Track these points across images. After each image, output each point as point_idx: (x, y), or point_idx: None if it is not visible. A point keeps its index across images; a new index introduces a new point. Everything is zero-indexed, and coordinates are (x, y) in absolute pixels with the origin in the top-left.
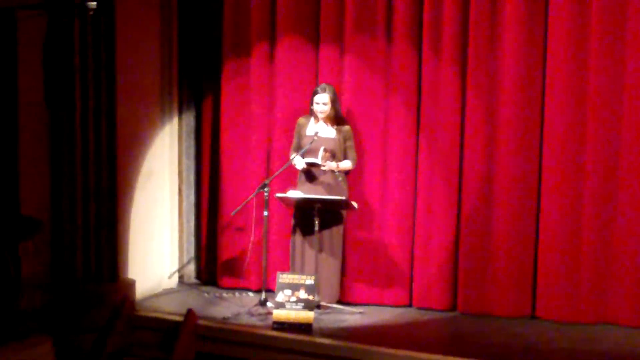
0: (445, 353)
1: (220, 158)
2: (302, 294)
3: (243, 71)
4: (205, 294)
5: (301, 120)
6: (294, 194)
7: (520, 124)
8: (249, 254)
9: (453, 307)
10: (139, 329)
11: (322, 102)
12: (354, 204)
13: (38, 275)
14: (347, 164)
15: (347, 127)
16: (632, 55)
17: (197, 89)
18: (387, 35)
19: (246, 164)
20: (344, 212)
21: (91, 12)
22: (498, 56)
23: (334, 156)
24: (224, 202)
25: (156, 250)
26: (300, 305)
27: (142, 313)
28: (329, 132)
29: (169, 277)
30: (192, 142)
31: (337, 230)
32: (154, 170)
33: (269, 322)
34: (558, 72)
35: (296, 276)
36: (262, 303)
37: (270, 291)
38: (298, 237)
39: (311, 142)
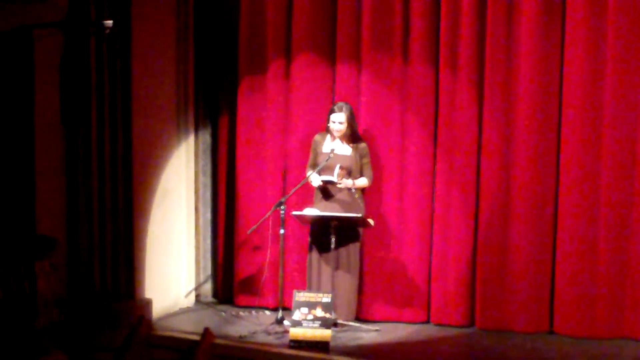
0: None
1: (236, 175)
2: (319, 312)
3: (259, 88)
4: (222, 313)
5: (317, 137)
6: (311, 211)
7: (537, 141)
8: (265, 272)
9: (471, 323)
10: (155, 348)
11: (338, 121)
12: (371, 221)
13: (54, 294)
14: (363, 181)
15: (363, 145)
16: None
17: (213, 106)
18: (403, 53)
19: (262, 182)
20: (360, 230)
21: (107, 31)
22: (514, 73)
23: (350, 173)
24: (241, 220)
25: (173, 268)
26: (317, 323)
27: (159, 332)
28: (345, 149)
29: (186, 296)
30: (208, 160)
31: (353, 248)
32: (170, 188)
33: (286, 340)
34: (575, 89)
35: (313, 294)
36: (279, 321)
37: (287, 309)
38: (314, 255)
39: (327, 160)
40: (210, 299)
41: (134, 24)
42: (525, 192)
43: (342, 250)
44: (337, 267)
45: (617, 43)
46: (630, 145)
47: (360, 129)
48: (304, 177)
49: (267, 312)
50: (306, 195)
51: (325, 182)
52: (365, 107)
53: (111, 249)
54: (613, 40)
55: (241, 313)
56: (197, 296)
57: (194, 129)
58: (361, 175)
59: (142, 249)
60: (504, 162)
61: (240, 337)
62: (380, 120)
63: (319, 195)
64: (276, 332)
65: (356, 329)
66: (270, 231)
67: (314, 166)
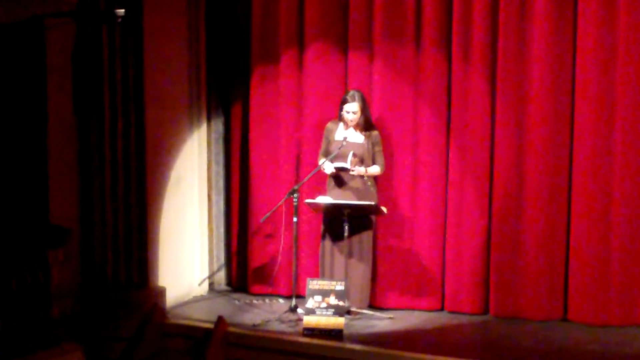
0: (476, 357)
1: (249, 164)
2: (333, 300)
3: (272, 77)
4: (236, 301)
5: (330, 125)
6: (323, 199)
7: (550, 129)
8: (279, 260)
9: (485, 311)
10: (169, 336)
11: (352, 110)
12: (384, 209)
13: (68, 283)
14: (375, 169)
15: (375, 132)
16: None
17: (225, 95)
18: (416, 41)
19: (275, 170)
20: (373, 217)
21: (119, 20)
22: (527, 62)
23: (362, 161)
24: (254, 208)
25: (186, 257)
26: (331, 311)
27: (173, 320)
28: (358, 137)
29: (199, 284)
30: (220, 149)
31: (366, 236)
32: (182, 177)
33: (299, 328)
34: (587, 77)
35: (326, 282)
36: (293, 309)
37: (301, 297)
38: (328, 243)
39: (340, 147)
40: (223, 287)
41: (145, 13)
42: (538, 180)
43: (355, 238)
44: (350, 255)
45: (629, 31)
46: None
47: (373, 118)
48: (317, 165)
49: (281, 300)
50: (319, 184)
51: (339, 169)
52: (377, 96)
53: (124, 238)
54: (625, 28)
55: (255, 301)
56: (210, 284)
57: (206, 117)
58: (373, 163)
59: (155, 237)
60: (517, 151)
61: (254, 325)
62: (393, 109)
63: (331, 183)
64: (290, 320)
65: (370, 317)
66: (283, 219)
67: (327, 154)
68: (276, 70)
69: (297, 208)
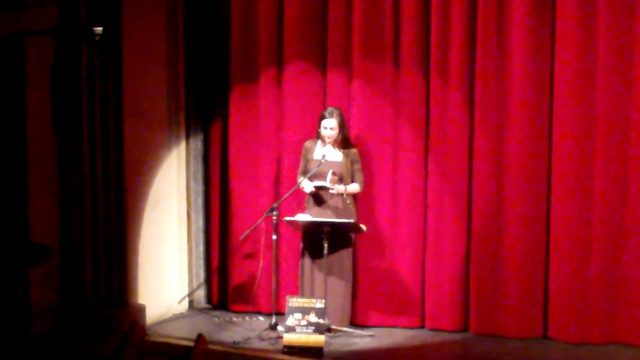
0: None
1: (229, 182)
2: (313, 318)
3: (251, 95)
4: (216, 319)
5: (308, 143)
6: (303, 217)
7: (529, 146)
8: (258, 278)
9: (465, 328)
10: (149, 354)
11: (329, 126)
12: (363, 226)
13: (48, 301)
14: (355, 187)
15: (354, 150)
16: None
17: (204, 113)
18: (394, 60)
19: (255, 188)
20: (352, 235)
21: (97, 37)
22: (505, 80)
23: (341, 179)
24: (234, 226)
25: (166, 275)
26: (311, 328)
27: (152, 338)
28: (336, 155)
29: (179, 302)
30: (199, 166)
31: (346, 253)
32: (162, 195)
33: (280, 346)
34: (566, 95)
35: (306, 300)
36: (273, 327)
37: (281, 314)
38: (307, 261)
39: (318, 166)
40: (203, 304)
41: (124, 31)
42: (517, 198)
43: (335, 256)
44: (329, 273)
45: (607, 50)
46: (623, 151)
47: (352, 136)
48: (296, 183)
49: (261, 318)
50: (298, 202)
51: (318, 188)
52: (356, 114)
53: (104, 256)
54: (603, 47)
55: (235, 319)
56: (190, 302)
57: (185, 135)
58: (352, 181)
59: (134, 255)
60: (496, 168)
61: (234, 342)
62: (372, 127)
63: (310, 201)
64: (270, 338)
65: (350, 335)
66: (263, 237)
67: (305, 173)
68: (256, 88)
69: (276, 226)
